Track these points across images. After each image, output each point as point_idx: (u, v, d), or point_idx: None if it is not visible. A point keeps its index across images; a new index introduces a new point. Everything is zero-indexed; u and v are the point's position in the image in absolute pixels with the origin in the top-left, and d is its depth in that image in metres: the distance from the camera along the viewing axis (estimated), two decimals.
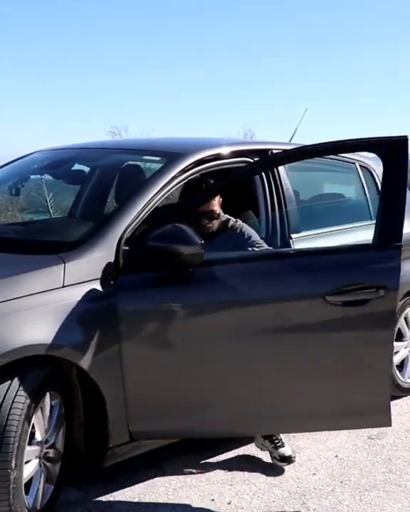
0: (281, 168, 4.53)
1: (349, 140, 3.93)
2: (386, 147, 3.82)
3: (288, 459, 4.18)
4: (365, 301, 3.64)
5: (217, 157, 4.30)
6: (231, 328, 3.69)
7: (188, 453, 4.31)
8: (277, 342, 3.72)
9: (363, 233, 4.88)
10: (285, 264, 3.84)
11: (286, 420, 3.88)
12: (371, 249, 3.78)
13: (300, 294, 3.72)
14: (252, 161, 4.42)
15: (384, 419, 3.79)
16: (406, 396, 5.40)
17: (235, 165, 4.40)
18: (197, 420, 3.79)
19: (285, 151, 4.43)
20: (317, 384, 3.79)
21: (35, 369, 3.31)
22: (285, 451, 4.19)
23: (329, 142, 3.92)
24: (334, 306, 3.63)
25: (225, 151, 4.36)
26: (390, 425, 3.81)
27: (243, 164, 4.39)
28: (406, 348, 5.45)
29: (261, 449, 4.28)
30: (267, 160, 4.47)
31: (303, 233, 4.53)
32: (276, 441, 4.19)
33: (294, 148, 4.27)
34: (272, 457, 4.21)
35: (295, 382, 3.76)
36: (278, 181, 4.51)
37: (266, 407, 3.82)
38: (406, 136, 3.73)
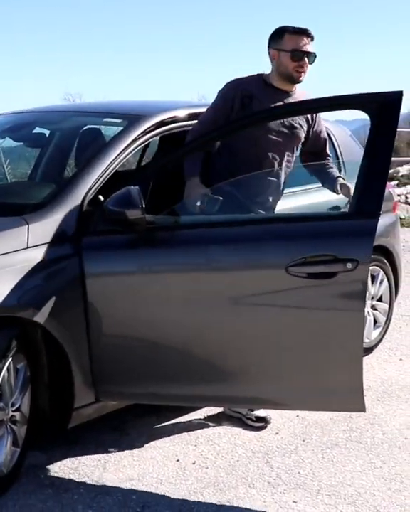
0: None
1: (336, 96, 3.71)
2: (377, 105, 3.49)
3: (264, 420, 4.20)
4: (332, 274, 3.35)
5: (177, 119, 4.28)
6: (193, 294, 3.60)
7: (151, 415, 4.32)
8: (237, 312, 3.56)
9: (321, 194, 4.91)
10: (250, 231, 3.60)
11: (251, 395, 3.75)
12: (345, 218, 3.53)
13: (261, 263, 3.50)
14: None
15: (357, 403, 3.54)
16: (365, 356, 5.46)
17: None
18: (161, 386, 3.76)
19: (267, 110, 4.07)
20: (283, 360, 3.60)
21: (0, 331, 3.28)
22: (260, 412, 4.21)
23: (314, 99, 3.84)
24: (297, 277, 3.37)
25: (185, 113, 4.34)
26: (364, 410, 3.58)
27: None
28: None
29: (231, 415, 4.30)
30: (251, 118, 4.04)
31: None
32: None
33: (278, 106, 4.06)
34: (247, 419, 4.22)
35: (260, 356, 3.62)
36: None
37: (228, 379, 3.70)
38: (401, 91, 3.43)
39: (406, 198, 14.52)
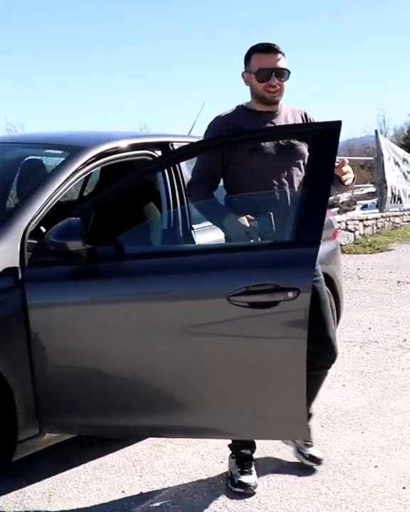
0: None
1: (277, 126, 3.81)
2: (316, 134, 3.58)
3: (316, 460, 4.07)
4: (274, 303, 3.34)
5: (118, 150, 4.30)
6: (136, 324, 3.58)
7: (97, 446, 4.31)
8: (182, 342, 3.54)
9: None
10: (192, 260, 3.59)
11: (196, 425, 3.71)
12: (286, 247, 3.47)
13: (203, 293, 3.48)
14: (153, 153, 4.45)
15: (301, 430, 3.59)
16: None
17: (137, 158, 4.43)
18: (106, 418, 3.73)
19: (217, 138, 3.92)
20: (228, 389, 3.57)
21: None
22: (315, 452, 4.10)
23: (257, 130, 3.80)
24: (239, 307, 3.36)
25: (126, 143, 4.37)
26: (308, 438, 3.64)
27: (144, 157, 4.41)
28: None
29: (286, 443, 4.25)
30: (189, 150, 4.02)
31: (205, 224, 4.57)
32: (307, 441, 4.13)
33: (226, 135, 3.86)
34: (299, 453, 4.11)
35: (205, 386, 3.61)
36: (179, 173, 4.54)
37: (173, 410, 3.68)
38: (340, 121, 3.50)
39: (347, 224, 14.70)
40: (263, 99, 3.80)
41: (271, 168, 3.80)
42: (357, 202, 26.33)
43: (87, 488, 3.84)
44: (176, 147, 4.55)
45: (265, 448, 4.28)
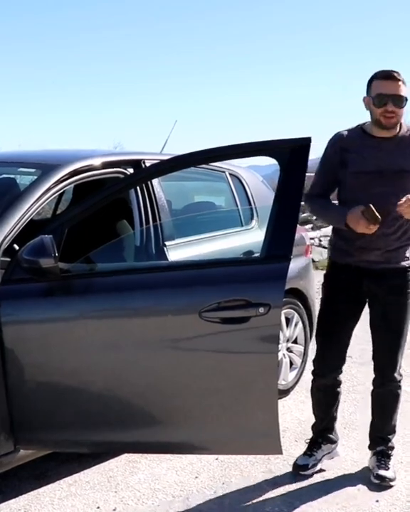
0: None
1: (246, 143, 3.77)
2: (286, 151, 3.60)
3: (385, 480, 4.11)
4: (246, 318, 3.39)
5: (92, 168, 4.33)
6: (110, 340, 3.61)
7: (74, 461, 4.32)
8: (155, 357, 3.57)
9: (233, 239, 5.03)
10: (164, 277, 3.66)
11: (170, 441, 3.73)
12: (257, 263, 3.61)
13: (175, 309, 3.52)
14: (125, 171, 4.48)
15: (273, 446, 3.60)
16: (282, 398, 5.54)
17: (110, 175, 4.45)
18: (81, 433, 3.75)
19: (187, 155, 3.96)
20: (201, 405, 3.64)
21: None
22: (388, 473, 4.14)
23: (226, 146, 3.82)
24: (211, 322, 3.40)
25: (99, 161, 4.40)
26: (281, 453, 3.62)
27: (117, 174, 4.44)
28: (279, 351, 5.56)
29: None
30: (160, 167, 4.11)
31: (177, 240, 4.61)
32: (382, 460, 4.21)
33: (195, 153, 3.90)
34: (372, 472, 4.19)
35: (178, 402, 3.64)
36: (151, 191, 4.57)
37: (147, 426, 3.70)
38: (309, 138, 3.57)
39: (320, 241, 14.77)
40: (379, 124, 3.88)
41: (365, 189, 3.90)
42: None
43: (62, 504, 3.84)
44: (147, 165, 4.58)
45: (240, 463, 4.31)
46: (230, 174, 5.48)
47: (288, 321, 5.64)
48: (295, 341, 5.73)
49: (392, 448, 4.31)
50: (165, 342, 3.56)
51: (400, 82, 3.80)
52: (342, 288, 4.11)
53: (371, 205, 3.65)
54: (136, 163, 4.62)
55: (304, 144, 3.56)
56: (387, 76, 3.81)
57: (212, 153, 3.86)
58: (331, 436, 4.40)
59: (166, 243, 4.50)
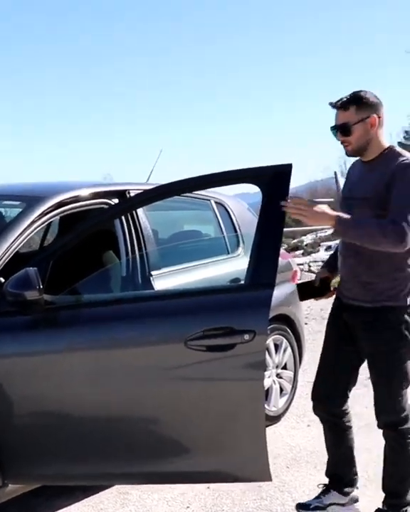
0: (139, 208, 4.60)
1: (227, 171, 3.79)
2: (267, 178, 3.60)
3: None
4: (231, 346, 3.37)
5: (78, 199, 4.35)
6: (96, 371, 3.59)
7: (62, 495, 4.30)
8: (142, 387, 3.56)
9: (221, 267, 5.05)
10: (148, 307, 3.64)
11: (159, 471, 3.69)
12: (241, 290, 3.64)
13: (161, 338, 3.51)
14: (110, 201, 4.51)
15: (262, 473, 3.54)
16: (273, 425, 5.54)
17: (95, 206, 4.47)
18: (69, 466, 3.71)
19: (169, 184, 3.93)
20: (189, 434, 3.61)
21: None
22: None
23: (207, 175, 3.80)
24: (196, 351, 3.40)
25: (84, 193, 4.43)
26: (270, 480, 3.57)
27: (102, 205, 4.46)
28: (269, 377, 5.57)
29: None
30: (143, 196, 4.09)
31: (163, 270, 4.62)
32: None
33: (177, 182, 3.86)
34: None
35: (167, 431, 3.62)
36: (137, 221, 4.59)
37: (136, 456, 3.67)
38: (290, 164, 3.56)
39: (310, 266, 14.81)
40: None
41: None
42: (321, 243, 26.44)
43: None
44: (132, 195, 4.60)
45: (231, 491, 4.30)
46: (215, 202, 5.50)
47: (277, 347, 5.66)
48: (285, 367, 5.74)
49: (392, 509, 3.84)
50: (151, 372, 3.54)
51: (340, 110, 3.67)
52: (329, 318, 4.08)
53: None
54: (121, 194, 4.64)
55: (284, 170, 3.55)
56: (331, 106, 3.72)
57: (194, 182, 3.90)
58: (343, 486, 4.08)
59: (153, 273, 4.52)
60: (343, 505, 4.04)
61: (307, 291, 4.08)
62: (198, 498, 4.28)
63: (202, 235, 5.72)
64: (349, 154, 3.76)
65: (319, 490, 4.10)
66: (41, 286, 3.45)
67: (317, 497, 4.07)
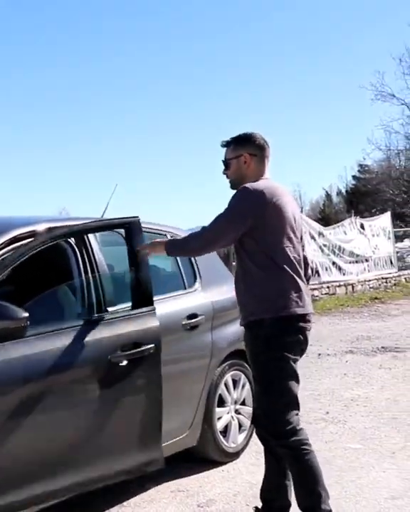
0: (94, 243, 4.56)
1: (94, 221, 4.55)
2: (125, 225, 4.44)
3: None
4: (138, 359, 4.14)
5: (35, 234, 4.29)
6: (37, 399, 3.79)
7: None
8: (75, 407, 3.97)
9: (178, 302, 5.00)
10: (78, 333, 4.10)
11: (87, 478, 4.04)
12: (132, 314, 4.33)
13: (90, 358, 4.07)
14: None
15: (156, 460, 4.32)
16: (232, 461, 5.48)
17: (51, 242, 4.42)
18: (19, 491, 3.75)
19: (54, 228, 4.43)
20: (106, 444, 4.10)
21: None
22: None
23: (81, 224, 4.46)
24: (117, 366, 4.08)
25: (43, 227, 4.36)
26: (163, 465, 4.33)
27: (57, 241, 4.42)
28: (228, 413, 5.53)
29: None
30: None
31: (119, 306, 4.56)
32: None
33: (60, 227, 4.44)
34: None
35: (93, 442, 4.05)
36: (92, 256, 4.52)
37: (63, 470, 3.92)
38: (137, 217, 4.47)
39: None
40: None
41: None
42: None
43: None
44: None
45: None
46: (172, 237, 5.45)
47: (235, 382, 5.62)
48: (243, 403, 5.68)
49: None
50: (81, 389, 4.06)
51: (225, 148, 4.25)
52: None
53: None
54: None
55: (132, 221, 4.45)
56: (221, 145, 4.27)
57: (69, 228, 4.41)
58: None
59: (109, 309, 4.45)
60: None
61: None
62: None
63: (159, 269, 5.67)
64: (230, 186, 4.24)
65: None
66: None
67: None
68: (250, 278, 4.00)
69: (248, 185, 4.00)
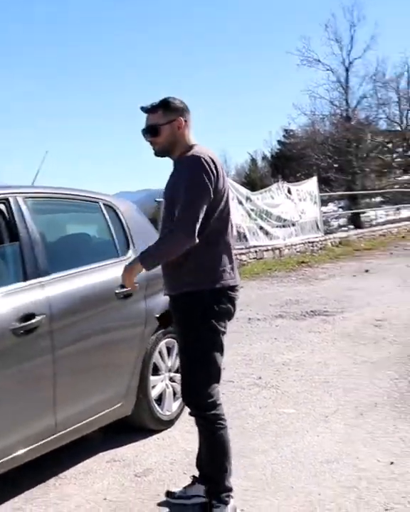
0: (25, 211, 4.45)
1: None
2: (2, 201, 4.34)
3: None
4: (32, 329, 4.15)
5: None
6: None
7: None
8: None
9: (112, 271, 4.92)
10: None
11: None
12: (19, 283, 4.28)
13: None
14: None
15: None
16: (167, 429, 5.47)
17: None
18: None
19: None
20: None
21: None
22: None
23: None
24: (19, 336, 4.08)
25: None
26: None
27: None
28: (162, 381, 5.52)
29: None
30: None
31: (53, 275, 4.48)
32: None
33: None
34: None
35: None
36: (23, 223, 4.42)
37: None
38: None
39: None
40: None
41: None
42: None
43: None
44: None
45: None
46: (104, 204, 5.37)
47: (169, 350, 5.59)
48: (178, 371, 5.66)
49: (212, 496, 4.00)
50: None
51: (148, 114, 4.00)
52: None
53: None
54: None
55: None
56: (142, 110, 4.01)
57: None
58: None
59: (42, 279, 4.37)
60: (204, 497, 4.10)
61: None
62: (95, 510, 4.16)
63: (91, 237, 5.58)
64: (156, 154, 4.05)
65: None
66: None
67: (184, 487, 4.22)
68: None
69: (196, 153, 3.85)
